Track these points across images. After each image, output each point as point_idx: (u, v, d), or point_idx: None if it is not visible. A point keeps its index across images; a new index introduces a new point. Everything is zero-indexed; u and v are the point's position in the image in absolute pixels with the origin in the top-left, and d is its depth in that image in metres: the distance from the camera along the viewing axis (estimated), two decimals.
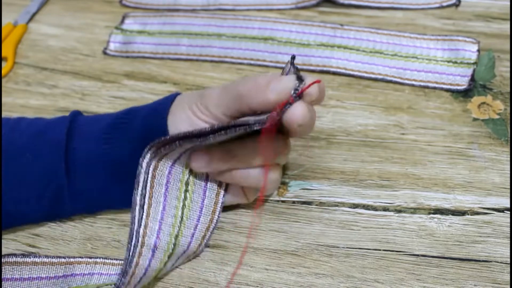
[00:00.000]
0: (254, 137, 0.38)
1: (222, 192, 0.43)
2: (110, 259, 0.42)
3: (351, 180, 0.47)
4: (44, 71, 0.59)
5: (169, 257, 0.40)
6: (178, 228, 0.40)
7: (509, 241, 0.43)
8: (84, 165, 0.42)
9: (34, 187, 0.42)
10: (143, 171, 0.38)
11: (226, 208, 0.45)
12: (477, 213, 0.45)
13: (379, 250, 0.43)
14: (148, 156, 0.38)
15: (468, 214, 0.45)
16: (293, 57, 0.38)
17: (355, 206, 0.46)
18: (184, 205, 0.41)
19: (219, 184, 0.43)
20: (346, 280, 0.41)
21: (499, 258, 0.42)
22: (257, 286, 0.41)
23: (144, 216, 0.38)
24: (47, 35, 0.63)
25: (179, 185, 0.40)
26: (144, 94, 0.56)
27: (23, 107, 0.56)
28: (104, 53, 0.61)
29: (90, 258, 0.42)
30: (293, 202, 0.46)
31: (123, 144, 0.41)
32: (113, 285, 0.39)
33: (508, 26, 0.59)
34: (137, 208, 0.38)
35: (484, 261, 0.42)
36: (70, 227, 0.46)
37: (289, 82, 0.35)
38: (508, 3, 0.62)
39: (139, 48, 0.61)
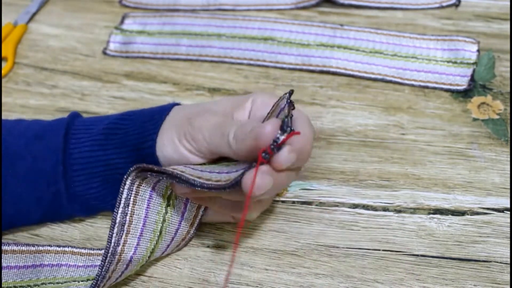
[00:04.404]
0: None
1: (202, 207, 0.42)
2: (78, 248, 0.42)
3: (351, 180, 0.47)
4: (44, 71, 0.59)
5: (141, 266, 0.41)
6: (155, 242, 0.40)
7: (509, 241, 0.43)
8: (81, 170, 0.42)
9: (33, 190, 0.42)
10: (126, 188, 0.37)
11: None
12: (477, 213, 0.45)
13: (379, 250, 0.43)
14: (133, 174, 0.37)
15: (467, 214, 0.45)
16: (291, 92, 0.36)
17: (355, 206, 0.46)
18: (164, 219, 0.40)
19: None
20: (345, 280, 0.41)
21: (498, 258, 0.42)
22: (257, 286, 0.41)
23: (123, 235, 0.38)
24: (47, 35, 0.63)
25: (161, 200, 0.40)
26: (144, 94, 0.56)
27: (23, 107, 0.56)
28: (104, 53, 0.61)
29: (59, 246, 0.42)
30: (293, 202, 0.46)
31: (116, 150, 0.41)
32: (80, 282, 0.40)
33: (508, 26, 0.59)
34: (117, 226, 0.37)
35: (483, 261, 0.42)
36: (69, 227, 0.46)
37: (270, 137, 0.33)
38: (508, 3, 0.62)
39: (139, 48, 0.61)
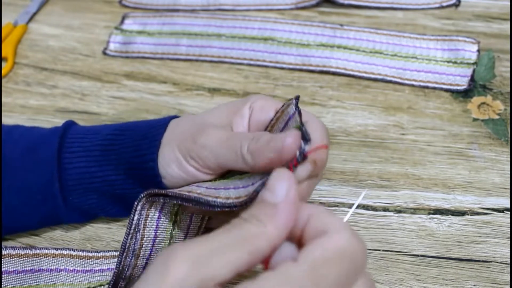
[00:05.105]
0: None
1: (206, 217, 0.42)
2: (76, 250, 0.42)
3: (351, 180, 0.47)
4: (44, 71, 0.59)
5: None
6: None
7: (508, 241, 0.43)
8: (77, 184, 0.41)
9: (29, 201, 0.41)
10: (137, 213, 0.36)
11: None
12: (477, 213, 0.45)
13: (379, 250, 0.43)
14: (144, 199, 0.36)
15: (467, 214, 0.45)
16: (297, 98, 0.35)
17: None
18: (171, 236, 0.39)
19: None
20: None
21: (498, 258, 0.42)
22: None
23: (133, 259, 0.37)
24: (47, 35, 0.63)
25: (168, 217, 0.39)
26: (143, 94, 0.56)
27: (23, 107, 0.56)
28: (104, 53, 0.61)
29: (56, 249, 0.42)
30: None
31: (112, 167, 0.41)
32: None
33: (508, 26, 0.59)
34: (125, 252, 0.36)
35: (483, 261, 0.42)
36: (70, 228, 0.46)
37: (294, 149, 0.32)
38: (508, 3, 0.62)
39: (139, 48, 0.61)
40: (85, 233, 0.45)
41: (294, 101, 0.36)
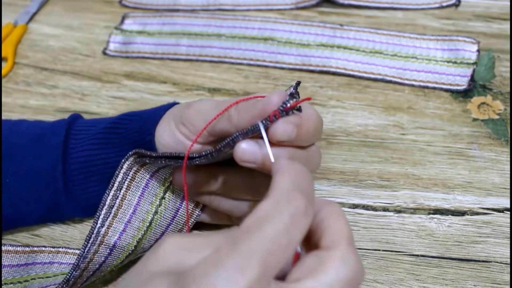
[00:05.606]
0: (242, 168, 0.35)
1: (199, 207, 0.42)
2: (72, 249, 0.43)
3: (351, 180, 0.47)
4: (44, 71, 0.59)
5: (127, 256, 0.40)
6: (143, 232, 0.40)
7: (508, 241, 0.43)
8: (80, 168, 0.42)
9: (33, 189, 0.42)
10: (122, 172, 0.38)
11: None
12: (477, 213, 0.45)
13: (379, 250, 0.43)
14: (131, 159, 0.37)
15: (467, 214, 0.45)
16: (298, 83, 0.36)
17: (355, 206, 0.46)
18: (156, 211, 0.40)
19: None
20: None
21: (498, 258, 0.42)
22: None
23: (110, 217, 0.38)
24: (47, 35, 0.63)
25: (157, 190, 0.40)
26: (143, 94, 0.56)
27: (23, 107, 0.56)
28: (104, 53, 0.61)
29: (53, 247, 0.42)
30: None
31: (116, 148, 0.41)
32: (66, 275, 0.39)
33: (508, 26, 0.59)
34: (105, 208, 0.38)
35: (483, 261, 0.42)
36: (69, 228, 0.46)
37: (277, 105, 0.33)
38: (508, 3, 0.62)
39: (139, 48, 0.61)
40: (85, 232, 0.45)
41: (294, 85, 0.37)
